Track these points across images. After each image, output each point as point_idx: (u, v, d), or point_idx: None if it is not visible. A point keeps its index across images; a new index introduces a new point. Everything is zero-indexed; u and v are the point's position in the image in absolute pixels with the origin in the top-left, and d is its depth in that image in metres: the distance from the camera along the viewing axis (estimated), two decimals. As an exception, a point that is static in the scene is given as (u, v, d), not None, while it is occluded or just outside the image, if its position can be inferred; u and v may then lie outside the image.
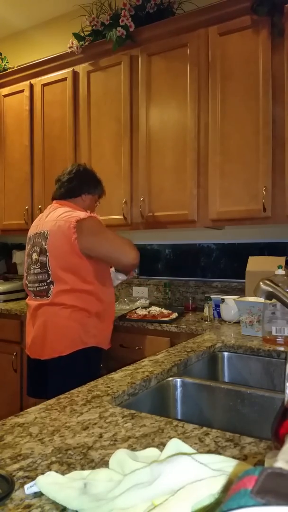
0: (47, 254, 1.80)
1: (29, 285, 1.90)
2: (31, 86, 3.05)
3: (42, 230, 1.87)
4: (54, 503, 0.57)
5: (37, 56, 3.23)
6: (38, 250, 1.85)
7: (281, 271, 1.57)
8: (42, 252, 1.83)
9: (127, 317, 2.22)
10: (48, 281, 1.80)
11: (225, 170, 2.22)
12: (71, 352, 1.72)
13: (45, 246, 1.81)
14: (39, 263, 1.84)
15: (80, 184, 1.94)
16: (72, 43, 2.71)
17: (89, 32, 2.73)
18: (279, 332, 1.57)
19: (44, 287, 1.82)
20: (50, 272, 1.79)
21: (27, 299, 1.95)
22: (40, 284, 1.83)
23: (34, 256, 1.88)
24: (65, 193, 1.94)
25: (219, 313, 2.11)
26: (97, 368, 1.80)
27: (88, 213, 1.83)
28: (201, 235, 2.71)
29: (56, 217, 1.83)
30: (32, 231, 1.96)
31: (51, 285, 1.79)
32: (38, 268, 1.84)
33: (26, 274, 1.94)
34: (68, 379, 1.67)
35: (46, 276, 1.81)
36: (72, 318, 1.74)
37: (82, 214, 1.80)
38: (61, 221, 1.79)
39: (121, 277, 2.00)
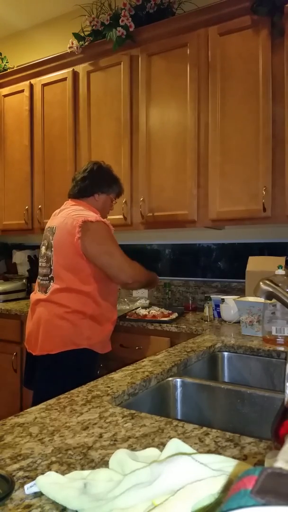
0: (52, 249, 1.83)
1: (39, 277, 1.93)
2: (31, 86, 3.05)
3: (52, 225, 1.90)
4: (54, 503, 0.57)
5: (37, 56, 3.23)
6: (46, 244, 1.89)
7: (281, 271, 1.57)
8: (49, 246, 1.86)
9: (127, 317, 2.22)
10: (49, 276, 1.82)
11: (225, 170, 2.22)
12: (60, 351, 1.71)
13: (52, 242, 1.84)
14: (45, 257, 1.87)
15: (92, 184, 1.93)
16: (72, 43, 2.71)
17: (89, 32, 2.73)
18: (279, 332, 1.57)
19: (45, 282, 1.84)
20: (52, 268, 1.81)
21: (32, 293, 1.97)
22: (44, 278, 1.86)
23: (43, 249, 1.91)
24: (78, 192, 1.95)
25: (219, 313, 2.11)
26: (89, 371, 1.75)
27: (98, 216, 1.82)
28: (201, 235, 2.71)
29: (67, 214, 1.85)
30: (46, 225, 1.98)
31: (51, 281, 1.81)
32: (44, 262, 1.87)
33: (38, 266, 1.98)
34: (55, 378, 1.68)
35: (48, 271, 1.83)
36: (65, 318, 1.74)
37: (91, 217, 1.78)
38: (70, 218, 1.81)
39: None
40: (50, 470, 0.66)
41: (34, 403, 1.26)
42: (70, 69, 2.83)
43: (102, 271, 1.79)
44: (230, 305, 2.01)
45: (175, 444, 0.64)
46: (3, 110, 3.21)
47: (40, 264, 1.93)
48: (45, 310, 1.79)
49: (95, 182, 1.94)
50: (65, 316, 1.74)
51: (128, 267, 1.81)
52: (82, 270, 1.76)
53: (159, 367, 1.25)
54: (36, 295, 1.90)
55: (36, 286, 1.94)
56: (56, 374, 1.71)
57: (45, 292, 1.82)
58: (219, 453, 0.71)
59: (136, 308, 2.41)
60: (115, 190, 2.02)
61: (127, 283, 1.85)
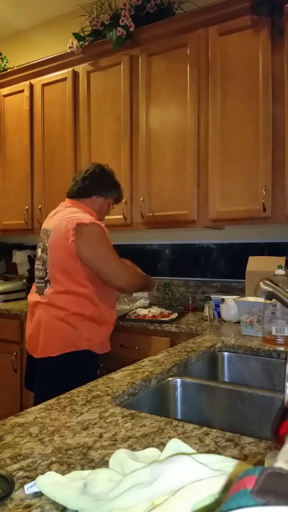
0: (47, 252, 1.82)
1: (35, 279, 1.92)
2: (31, 86, 3.05)
3: (47, 227, 1.88)
4: (54, 503, 0.57)
5: (37, 56, 3.23)
6: (42, 246, 1.88)
7: (281, 271, 1.57)
8: (44, 249, 1.85)
9: (127, 317, 2.22)
10: (45, 279, 1.82)
11: (225, 170, 2.22)
12: (61, 354, 1.71)
13: (47, 244, 1.83)
14: (41, 260, 1.86)
15: (91, 185, 1.91)
16: (72, 43, 2.71)
17: (89, 32, 2.73)
18: (279, 332, 1.57)
19: (42, 285, 1.84)
20: (48, 271, 1.81)
21: (29, 294, 1.96)
22: (40, 280, 1.86)
23: (39, 252, 1.90)
24: (76, 192, 1.93)
25: (219, 313, 2.11)
26: (90, 372, 1.75)
27: (93, 219, 1.79)
28: (201, 235, 2.71)
29: (62, 216, 1.83)
30: (42, 226, 1.96)
31: (48, 284, 1.81)
32: (40, 264, 1.87)
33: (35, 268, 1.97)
34: (56, 380, 1.68)
35: (44, 273, 1.83)
36: (65, 320, 1.74)
37: (86, 219, 1.76)
38: (64, 221, 1.79)
39: None
40: (50, 470, 0.66)
41: (35, 405, 1.26)
42: (70, 69, 2.83)
43: (98, 275, 1.79)
44: (230, 305, 2.01)
45: (175, 444, 0.64)
46: (3, 110, 3.21)
47: (36, 266, 1.92)
48: (45, 312, 1.79)
49: (95, 184, 1.92)
50: (64, 318, 1.74)
51: (123, 273, 1.81)
52: (78, 272, 1.75)
53: (159, 367, 1.25)
54: (34, 296, 1.89)
55: (33, 287, 1.94)
56: (56, 377, 1.71)
57: (43, 295, 1.82)
58: (219, 453, 0.71)
59: (136, 308, 2.41)
60: (114, 195, 2.00)
61: (122, 288, 1.87)
